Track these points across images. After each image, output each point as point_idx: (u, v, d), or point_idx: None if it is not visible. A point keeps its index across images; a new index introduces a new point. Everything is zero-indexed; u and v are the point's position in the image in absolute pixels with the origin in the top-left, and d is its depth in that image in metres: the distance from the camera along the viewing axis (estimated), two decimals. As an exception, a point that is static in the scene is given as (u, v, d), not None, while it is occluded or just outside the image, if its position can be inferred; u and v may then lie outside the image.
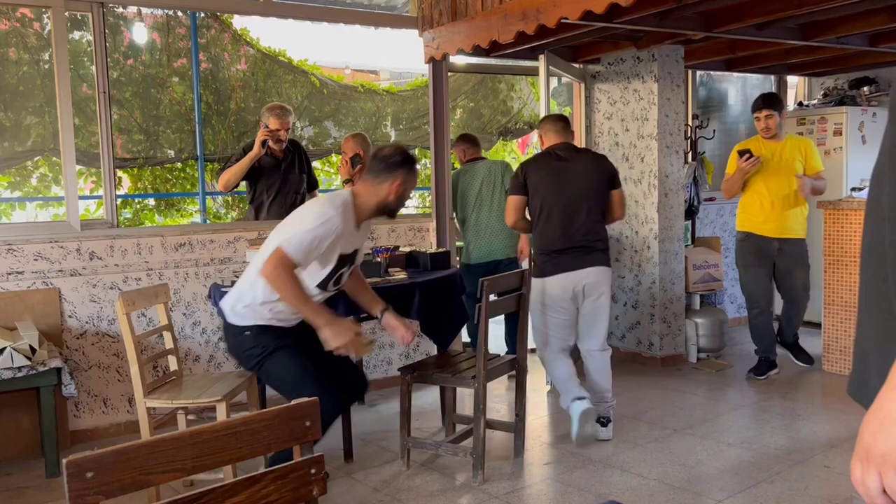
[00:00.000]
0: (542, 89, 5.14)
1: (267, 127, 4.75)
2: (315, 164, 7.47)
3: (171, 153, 6.44)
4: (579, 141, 6.10)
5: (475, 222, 5.23)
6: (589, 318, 4.04)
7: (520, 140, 9.28)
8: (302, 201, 5.07)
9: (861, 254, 1.15)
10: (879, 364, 1.06)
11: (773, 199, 5.00)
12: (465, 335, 5.70)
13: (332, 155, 7.39)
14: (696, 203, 5.96)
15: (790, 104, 7.33)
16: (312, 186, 5.21)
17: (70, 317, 4.22)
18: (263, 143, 4.74)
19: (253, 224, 4.81)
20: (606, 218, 4.13)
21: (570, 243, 3.97)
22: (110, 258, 4.31)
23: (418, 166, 3.35)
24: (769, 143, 5.04)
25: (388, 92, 7.68)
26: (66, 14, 4.32)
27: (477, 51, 5.08)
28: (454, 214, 5.43)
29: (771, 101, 5.05)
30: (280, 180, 4.90)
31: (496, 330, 5.73)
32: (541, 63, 5.13)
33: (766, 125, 5.01)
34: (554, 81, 8.06)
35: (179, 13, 6.21)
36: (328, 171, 7.62)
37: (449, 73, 5.49)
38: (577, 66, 6.00)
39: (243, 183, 4.91)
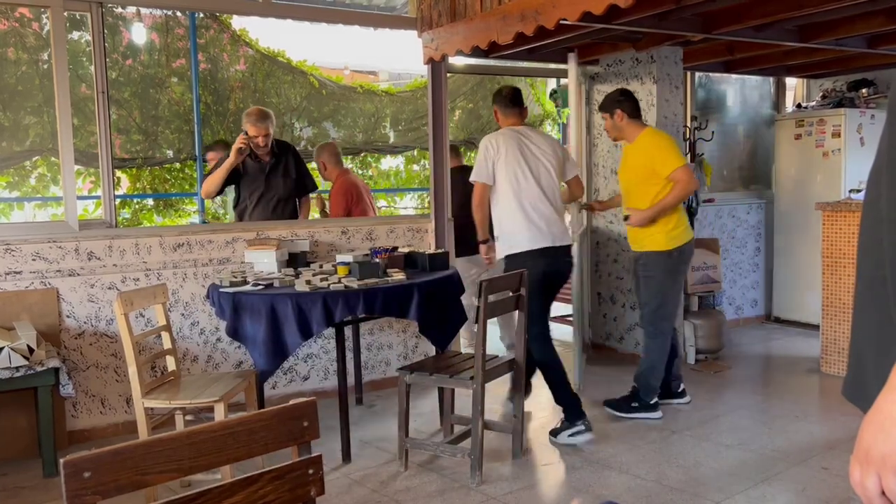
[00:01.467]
0: (572, 90, 5.04)
1: (246, 133, 4.73)
2: (314, 164, 7.47)
3: (170, 153, 6.44)
4: (580, 143, 6.10)
5: None
6: None
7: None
8: (286, 207, 4.95)
9: (857, 255, 1.15)
10: (877, 366, 1.06)
11: (626, 208, 4.55)
12: (463, 342, 5.70)
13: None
14: (694, 204, 5.96)
15: (789, 106, 7.34)
16: (307, 189, 5.13)
17: (68, 317, 4.22)
18: (240, 150, 4.71)
19: (252, 224, 4.80)
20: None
21: None
22: (108, 258, 4.31)
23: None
24: (624, 146, 4.57)
25: (386, 93, 7.68)
26: (65, 14, 4.32)
27: (476, 52, 5.08)
28: None
29: (602, 105, 4.54)
30: (263, 186, 4.89)
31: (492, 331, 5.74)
32: (570, 64, 5.03)
33: (605, 128, 4.62)
34: (552, 82, 8.07)
35: (178, 13, 6.22)
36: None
37: (448, 74, 5.48)
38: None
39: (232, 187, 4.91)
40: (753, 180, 7.25)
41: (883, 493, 0.95)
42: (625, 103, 4.43)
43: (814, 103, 6.93)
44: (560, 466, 3.79)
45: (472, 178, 4.19)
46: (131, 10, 5.99)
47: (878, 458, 0.94)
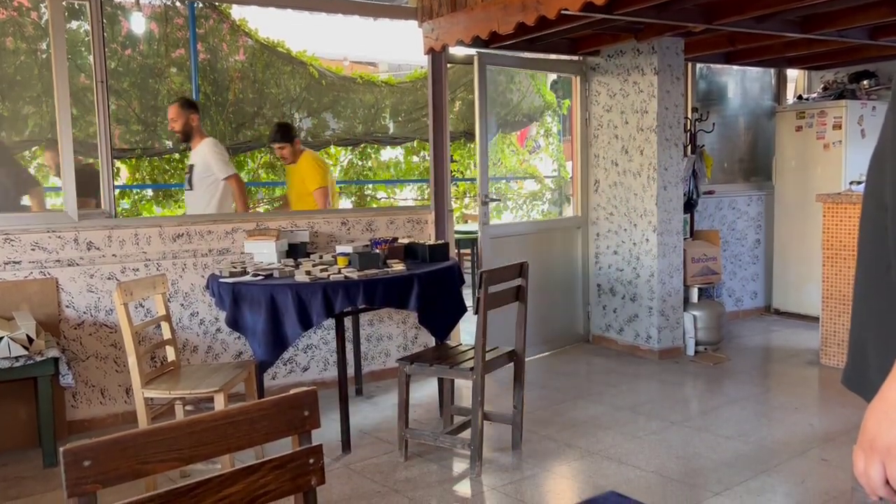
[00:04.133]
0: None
1: None
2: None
3: (169, 144, 6.42)
4: (575, 133, 6.09)
5: None
6: None
7: (518, 132, 9.26)
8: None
9: (858, 243, 1.14)
10: (879, 355, 1.06)
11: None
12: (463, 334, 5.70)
13: (331, 147, 7.37)
14: (694, 196, 5.96)
15: (790, 97, 7.32)
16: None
17: (68, 307, 4.22)
18: None
19: (251, 215, 4.80)
20: None
21: None
22: (108, 248, 4.30)
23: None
24: (288, 167, 5.58)
25: (386, 83, 7.65)
26: (64, 3, 4.30)
27: (476, 42, 5.06)
28: None
29: (280, 136, 5.42)
30: None
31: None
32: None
33: (282, 156, 5.51)
34: (553, 75, 8.05)
35: (178, 3, 6.19)
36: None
37: (448, 65, 5.46)
38: (575, 58, 5.98)
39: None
40: (754, 172, 7.24)
41: (887, 481, 0.95)
42: (297, 132, 5.66)
43: (815, 95, 6.91)
44: (559, 457, 3.80)
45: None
46: (130, -1, 5.97)
47: (882, 447, 0.94)
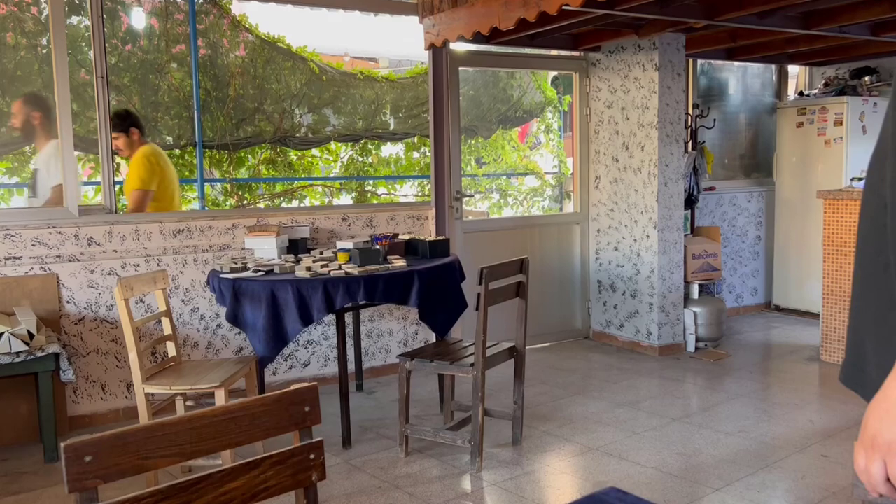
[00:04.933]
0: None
1: None
2: (314, 151, 7.45)
3: (170, 140, 6.41)
4: (575, 130, 6.09)
5: None
6: None
7: (520, 128, 9.25)
8: None
9: (858, 240, 1.14)
10: (878, 353, 1.06)
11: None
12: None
13: (332, 142, 7.36)
14: (695, 192, 5.96)
15: (791, 94, 7.31)
16: None
17: (68, 302, 4.22)
18: None
19: (252, 211, 4.80)
20: None
21: None
22: (108, 244, 4.30)
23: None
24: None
25: (387, 79, 7.64)
26: (64, -2, 4.29)
27: (477, 38, 5.05)
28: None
29: (114, 125, 4.60)
30: None
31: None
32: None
33: (118, 147, 4.67)
34: (554, 71, 8.04)
35: (178, -2, 6.17)
36: (327, 159, 7.59)
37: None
38: (576, 54, 5.97)
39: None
40: (755, 168, 7.24)
41: (888, 479, 0.95)
42: (139, 121, 4.72)
43: (816, 91, 6.90)
44: (560, 453, 3.80)
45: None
46: (130, -6, 5.95)
47: (883, 444, 0.94)
